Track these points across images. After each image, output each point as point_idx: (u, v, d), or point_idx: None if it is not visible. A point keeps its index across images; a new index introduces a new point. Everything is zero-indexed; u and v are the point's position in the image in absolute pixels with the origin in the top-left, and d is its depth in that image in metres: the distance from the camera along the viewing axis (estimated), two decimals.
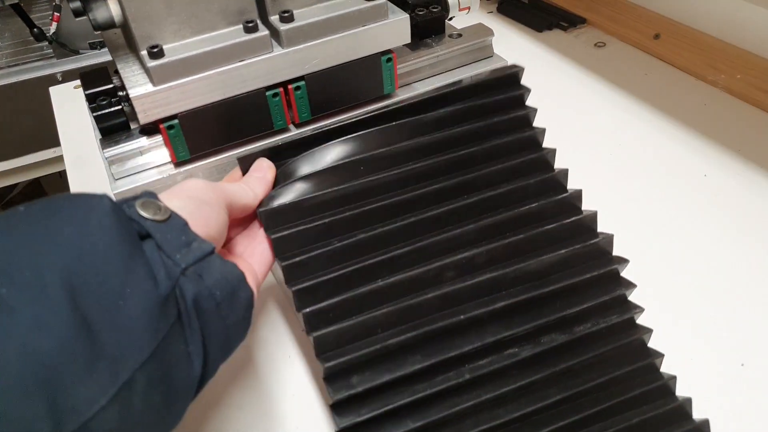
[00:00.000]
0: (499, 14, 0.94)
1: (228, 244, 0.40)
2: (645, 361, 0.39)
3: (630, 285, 0.41)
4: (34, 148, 1.22)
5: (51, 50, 1.20)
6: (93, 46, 1.22)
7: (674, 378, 0.39)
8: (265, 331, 0.49)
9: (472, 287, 0.38)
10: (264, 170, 0.41)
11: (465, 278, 0.38)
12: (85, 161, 0.70)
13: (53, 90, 0.83)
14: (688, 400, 0.39)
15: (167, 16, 0.42)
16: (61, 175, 1.38)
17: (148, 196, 0.32)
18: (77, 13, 0.43)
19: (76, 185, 0.66)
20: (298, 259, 0.37)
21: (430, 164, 0.41)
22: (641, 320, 0.41)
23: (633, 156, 0.63)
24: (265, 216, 0.39)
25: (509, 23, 0.91)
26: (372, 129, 0.41)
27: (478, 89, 0.44)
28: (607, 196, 0.59)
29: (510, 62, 0.58)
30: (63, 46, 1.17)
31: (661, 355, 0.40)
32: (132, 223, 0.29)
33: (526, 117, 0.44)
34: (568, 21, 0.88)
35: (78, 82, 0.86)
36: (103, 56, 1.18)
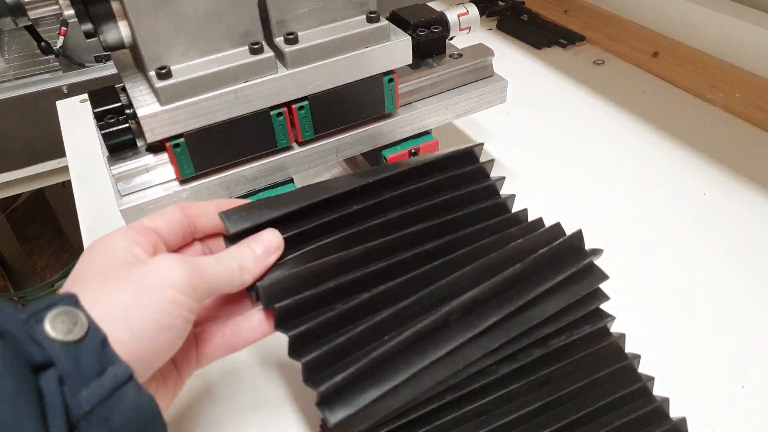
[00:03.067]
0: (498, 31, 0.95)
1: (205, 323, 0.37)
2: (623, 363, 0.40)
3: (603, 297, 0.41)
4: (38, 158, 1.23)
5: (57, 63, 1.21)
6: (99, 60, 1.24)
7: (652, 379, 0.40)
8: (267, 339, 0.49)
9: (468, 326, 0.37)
10: (272, 251, 0.36)
11: (467, 318, 0.37)
12: (91, 175, 0.70)
13: (60, 104, 0.84)
14: (666, 401, 0.39)
15: (175, 38, 0.43)
16: (65, 185, 1.40)
17: (68, 303, 0.26)
18: (88, 35, 0.44)
19: (81, 199, 0.67)
20: (303, 327, 0.35)
21: (416, 231, 0.41)
22: (636, 335, 0.41)
23: (631, 174, 0.64)
24: (264, 291, 0.36)
25: (509, 40, 0.93)
26: (353, 209, 0.41)
27: (443, 163, 0.45)
28: (605, 213, 0.59)
29: (509, 79, 0.59)
30: (69, 60, 1.19)
31: (638, 356, 0.40)
32: (22, 353, 0.24)
33: (493, 187, 0.46)
34: (567, 38, 0.89)
35: (84, 96, 0.87)
36: (108, 69, 1.20)
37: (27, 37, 1.33)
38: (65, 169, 1.28)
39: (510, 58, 0.88)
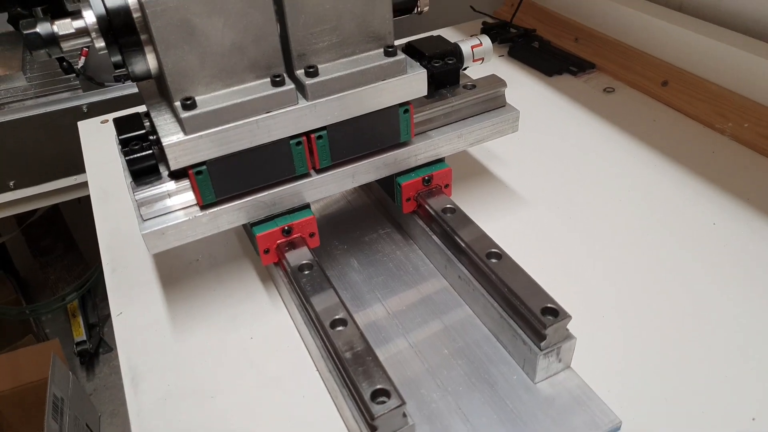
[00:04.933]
0: (510, 58, 0.97)
1: None
2: None
3: None
4: (56, 175, 1.25)
5: (78, 82, 1.25)
6: (118, 79, 1.26)
7: None
8: (280, 369, 0.50)
9: None
10: None
11: None
12: (110, 195, 0.72)
13: (81, 125, 0.86)
14: None
15: (200, 70, 0.45)
16: (80, 201, 1.42)
17: None
18: (117, 66, 0.46)
19: (100, 219, 0.68)
20: None
21: None
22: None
23: (642, 202, 0.65)
24: None
25: (520, 67, 0.94)
26: None
27: None
28: (615, 241, 0.60)
29: (521, 105, 0.60)
30: (90, 79, 1.22)
31: None
32: None
33: None
34: (577, 66, 0.91)
35: (105, 117, 0.90)
36: (127, 89, 1.23)
37: None
38: (81, 186, 1.30)
39: (522, 85, 0.89)
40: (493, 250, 0.49)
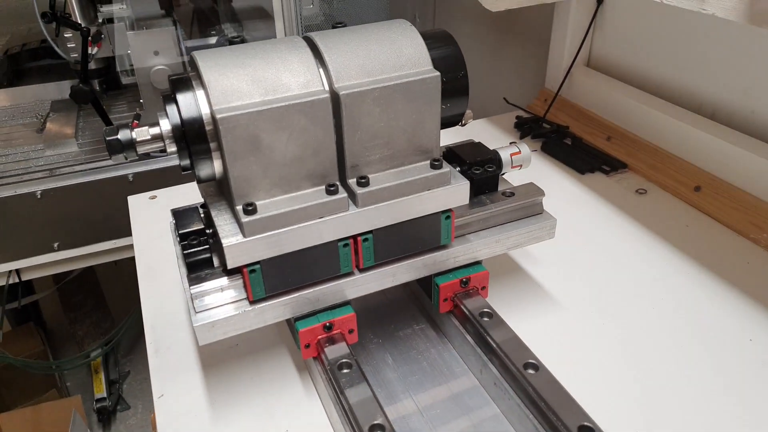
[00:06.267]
0: (543, 153, 1.00)
1: None
2: None
3: None
4: (97, 239, 1.30)
5: None
6: (162, 150, 1.33)
7: None
8: None
9: None
10: None
11: None
12: (156, 272, 0.75)
13: (131, 200, 0.91)
14: None
15: (263, 179, 0.48)
16: (116, 264, 1.46)
17: None
18: (185, 169, 0.50)
19: (146, 297, 0.71)
20: None
21: None
22: None
23: (676, 312, 0.65)
24: None
25: (553, 163, 0.97)
26: None
27: None
28: (649, 353, 0.60)
29: (553, 201, 0.62)
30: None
31: None
32: None
33: None
34: (610, 165, 0.94)
35: (153, 192, 0.94)
36: (171, 161, 1.29)
37: (99, 123, 1.45)
38: (120, 249, 1.35)
39: (554, 181, 0.92)
40: (530, 360, 0.50)
